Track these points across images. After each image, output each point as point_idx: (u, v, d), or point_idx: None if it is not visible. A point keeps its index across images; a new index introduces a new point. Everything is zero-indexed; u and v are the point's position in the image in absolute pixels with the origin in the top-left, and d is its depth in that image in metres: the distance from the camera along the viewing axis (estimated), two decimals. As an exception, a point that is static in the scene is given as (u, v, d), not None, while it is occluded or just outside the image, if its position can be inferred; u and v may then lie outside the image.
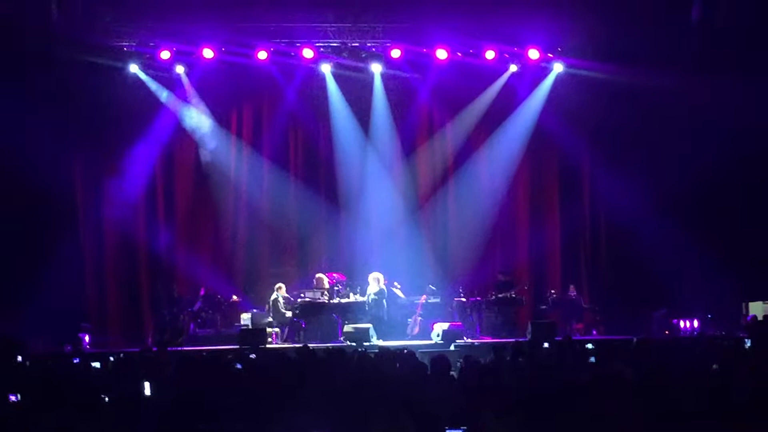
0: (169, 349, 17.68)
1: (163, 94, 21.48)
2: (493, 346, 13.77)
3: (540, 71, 21.83)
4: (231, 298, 20.70)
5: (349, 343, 17.83)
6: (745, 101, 19.99)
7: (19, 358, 12.70)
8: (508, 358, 11.45)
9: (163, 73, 21.39)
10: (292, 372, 10.34)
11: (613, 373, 8.57)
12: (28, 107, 19.97)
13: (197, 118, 21.76)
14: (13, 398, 8.57)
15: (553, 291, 21.06)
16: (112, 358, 13.62)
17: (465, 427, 6.84)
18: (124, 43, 20.77)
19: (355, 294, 19.93)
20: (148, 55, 21.05)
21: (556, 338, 16.39)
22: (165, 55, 20.97)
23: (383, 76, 21.78)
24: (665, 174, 21.08)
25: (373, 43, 21.18)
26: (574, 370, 10.15)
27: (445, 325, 18.57)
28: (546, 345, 14.26)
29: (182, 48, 21.07)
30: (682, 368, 9.58)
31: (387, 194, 22.08)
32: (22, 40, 19.61)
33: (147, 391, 9.10)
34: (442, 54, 21.20)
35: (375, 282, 19.68)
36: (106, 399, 8.27)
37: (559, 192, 22.57)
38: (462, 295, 20.26)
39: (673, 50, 20.43)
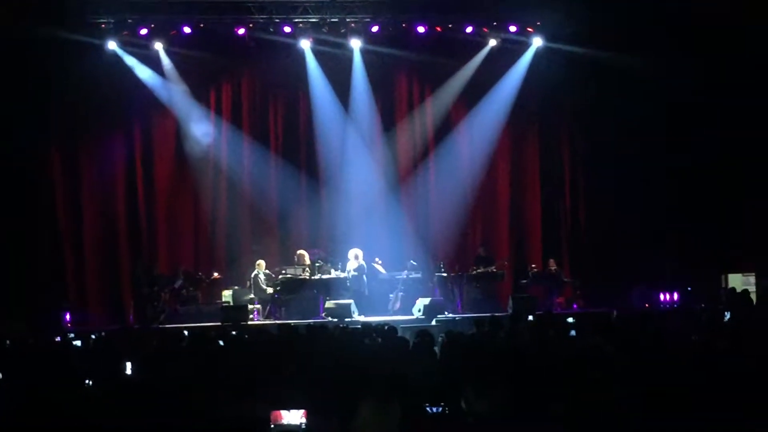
0: (150, 326, 17.77)
1: (142, 71, 21.29)
2: (474, 320, 13.84)
3: (519, 46, 21.79)
4: (212, 275, 20.67)
5: (330, 319, 17.88)
6: (726, 81, 20.08)
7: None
8: (486, 332, 11.51)
9: (141, 50, 21.18)
10: (274, 348, 10.36)
11: (593, 347, 8.63)
12: (3, 86, 19.86)
13: (176, 95, 21.62)
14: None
15: (533, 265, 21.11)
16: (93, 337, 13.60)
17: (443, 403, 6.86)
18: (102, 20, 20.58)
19: (336, 270, 19.94)
20: (126, 32, 20.84)
21: (537, 312, 16.46)
22: (143, 31, 20.83)
23: (362, 51, 21.67)
24: (645, 148, 21.17)
25: (352, 18, 21.07)
26: (555, 344, 10.21)
27: (427, 300, 18.64)
28: (530, 318, 14.34)
29: (160, 24, 20.91)
30: (661, 340, 9.65)
31: (367, 170, 22.03)
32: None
33: (128, 370, 9.10)
34: (421, 29, 21.16)
35: (354, 258, 19.74)
36: (89, 383, 8.27)
37: (540, 166, 22.58)
38: (443, 270, 20.31)
39: (651, 29, 20.41)
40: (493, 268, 20.50)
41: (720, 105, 20.27)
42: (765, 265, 19.88)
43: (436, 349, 10.32)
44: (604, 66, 20.65)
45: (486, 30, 21.60)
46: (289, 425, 6.03)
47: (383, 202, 22.08)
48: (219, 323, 17.44)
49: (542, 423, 6.53)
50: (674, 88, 20.40)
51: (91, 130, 21.41)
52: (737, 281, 19.42)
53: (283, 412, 6.16)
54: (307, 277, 19.63)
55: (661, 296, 19.89)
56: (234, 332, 13.46)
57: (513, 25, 21.35)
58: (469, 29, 21.36)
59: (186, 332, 13.78)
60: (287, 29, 21.02)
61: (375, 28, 21.17)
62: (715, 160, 20.88)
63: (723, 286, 19.82)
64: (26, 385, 7.97)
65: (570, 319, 13.98)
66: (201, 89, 21.97)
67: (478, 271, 20.43)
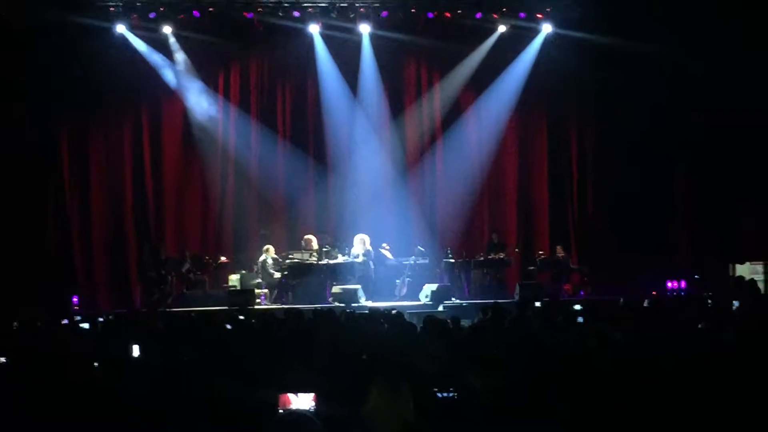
0: (157, 310, 17.80)
1: (151, 55, 21.27)
2: (481, 306, 13.85)
3: (529, 32, 21.73)
4: (219, 259, 20.69)
5: (337, 303, 17.90)
6: (737, 65, 20.01)
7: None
8: (489, 318, 11.52)
9: (150, 34, 21.16)
10: (281, 333, 10.38)
11: (600, 334, 8.62)
12: (11, 69, 19.87)
13: (184, 79, 21.61)
14: (2, 359, 8.57)
15: (541, 252, 21.12)
16: (100, 320, 13.62)
17: (452, 388, 6.84)
18: (111, 3, 20.55)
19: (343, 255, 19.95)
20: (135, 15, 20.83)
21: (544, 299, 16.47)
22: (152, 15, 20.80)
23: (372, 36, 21.63)
24: (654, 135, 21.14)
25: (362, 3, 21.03)
26: (561, 330, 10.21)
27: (434, 286, 18.65)
28: (537, 304, 14.36)
29: (169, 8, 20.88)
30: (668, 328, 9.64)
31: (375, 155, 22.01)
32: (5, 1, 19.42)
33: (135, 353, 9.13)
34: (430, 14, 21.12)
35: (360, 243, 19.76)
36: (96, 365, 8.27)
37: (548, 153, 22.53)
38: (450, 256, 20.31)
39: (661, 15, 20.33)
40: (501, 255, 20.51)
41: (732, 92, 20.18)
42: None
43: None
44: (614, 53, 20.60)
45: (495, 16, 21.53)
46: (298, 410, 6.02)
47: (391, 188, 22.07)
48: (226, 307, 17.47)
49: (549, 414, 6.51)
50: (685, 75, 20.34)
51: (100, 114, 21.41)
52: (745, 270, 19.34)
53: (292, 397, 6.14)
54: (315, 262, 19.63)
55: (669, 284, 19.86)
56: (241, 316, 13.47)
57: (522, 11, 21.30)
58: (478, 15, 21.31)
59: (193, 316, 13.82)
60: (296, 14, 20.99)
61: (384, 14, 21.12)
62: (724, 149, 20.82)
63: (731, 274, 19.76)
64: (34, 368, 7.98)
65: (577, 306, 13.99)
66: (209, 73, 21.93)
67: (487, 257, 20.45)
